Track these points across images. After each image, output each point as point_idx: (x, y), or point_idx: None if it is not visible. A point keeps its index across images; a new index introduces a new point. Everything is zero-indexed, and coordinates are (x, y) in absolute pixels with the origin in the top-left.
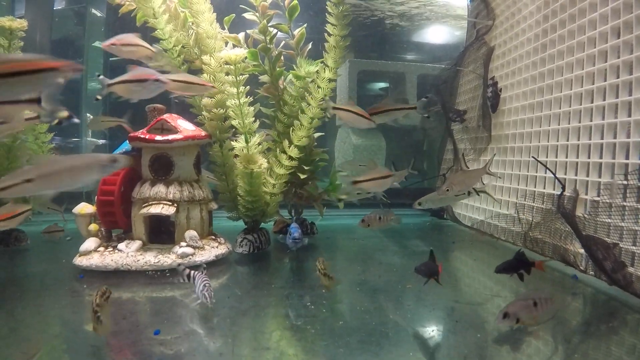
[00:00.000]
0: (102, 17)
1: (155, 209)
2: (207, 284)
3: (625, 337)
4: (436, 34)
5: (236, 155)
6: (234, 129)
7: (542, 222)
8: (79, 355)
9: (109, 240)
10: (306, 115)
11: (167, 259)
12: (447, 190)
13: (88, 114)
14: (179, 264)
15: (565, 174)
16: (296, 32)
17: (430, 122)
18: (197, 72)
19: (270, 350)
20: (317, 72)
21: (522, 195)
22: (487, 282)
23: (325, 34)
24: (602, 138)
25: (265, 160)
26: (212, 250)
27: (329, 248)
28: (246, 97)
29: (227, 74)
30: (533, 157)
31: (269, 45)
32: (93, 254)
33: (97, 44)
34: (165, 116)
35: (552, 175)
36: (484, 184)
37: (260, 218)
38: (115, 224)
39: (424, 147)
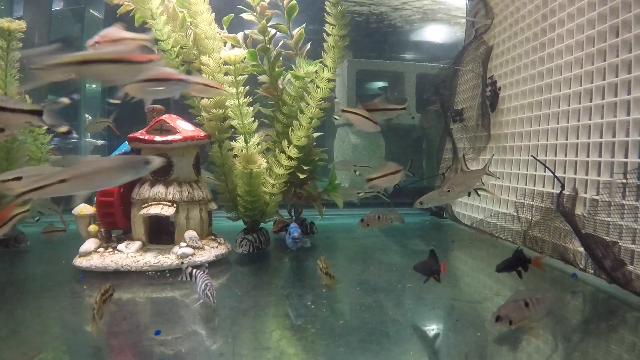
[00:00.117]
0: (101, 18)
1: (155, 210)
2: (208, 283)
3: (625, 335)
4: (435, 33)
5: (235, 156)
6: (233, 129)
7: (541, 221)
8: (80, 356)
9: (108, 241)
10: (305, 115)
11: (167, 260)
12: (448, 191)
13: (87, 115)
14: (182, 262)
15: (565, 172)
16: (295, 32)
17: (429, 122)
18: (195, 73)
19: (270, 350)
20: (316, 72)
21: (521, 194)
22: (487, 281)
23: (324, 34)
24: (601, 137)
25: (265, 160)
26: (212, 251)
27: (328, 248)
28: (245, 97)
29: (226, 74)
30: (532, 156)
31: (268, 46)
32: (93, 255)
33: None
34: (164, 117)
35: (552, 174)
36: (483, 184)
37: (259, 218)
38: (114, 224)
39: (422, 146)
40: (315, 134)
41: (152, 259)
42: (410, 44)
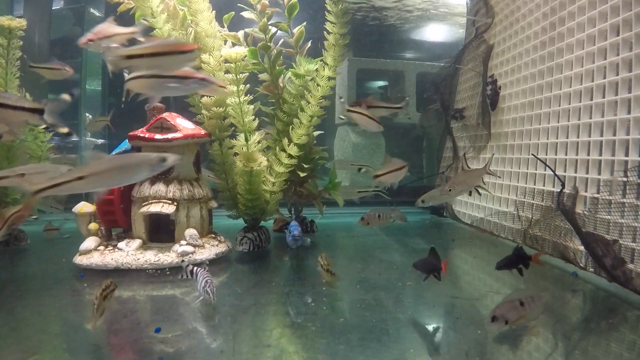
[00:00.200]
0: (101, 16)
1: (155, 208)
2: (208, 280)
3: (626, 334)
4: (435, 32)
5: (236, 154)
6: (233, 128)
7: (542, 220)
8: (80, 353)
9: (109, 239)
10: (305, 113)
11: (167, 258)
12: (450, 190)
13: (87, 114)
14: (183, 260)
15: (565, 171)
16: (295, 30)
17: (429, 120)
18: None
19: (270, 348)
20: (316, 70)
21: (522, 193)
22: (487, 279)
23: (325, 32)
24: (601, 135)
25: (265, 158)
26: (212, 249)
27: (329, 246)
28: (246, 95)
29: (227, 72)
30: (533, 154)
31: (268, 44)
32: (93, 253)
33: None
34: (165, 115)
35: (552, 173)
36: (483, 182)
37: (260, 216)
38: (115, 222)
39: (423, 145)
40: (316, 133)
41: (152, 257)
42: (411, 42)
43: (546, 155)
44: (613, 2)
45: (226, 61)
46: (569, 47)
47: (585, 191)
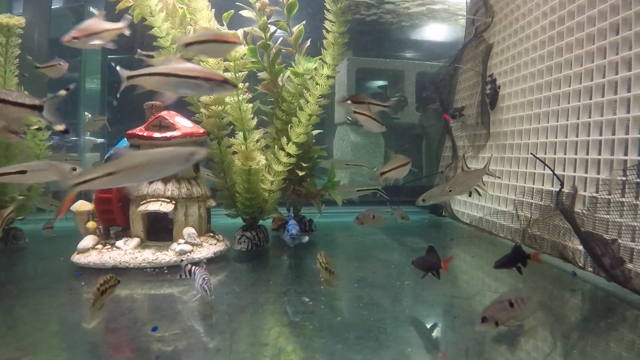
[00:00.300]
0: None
1: (153, 206)
2: (206, 278)
3: (624, 334)
4: (435, 32)
5: (234, 152)
6: (232, 126)
7: (540, 219)
8: (77, 352)
9: (107, 237)
10: (304, 112)
11: (165, 256)
12: (450, 190)
13: (86, 113)
14: (182, 260)
15: (564, 170)
16: (294, 29)
17: (429, 120)
18: None
19: (268, 347)
20: (315, 69)
21: (520, 192)
22: (485, 279)
23: (324, 31)
24: (600, 134)
25: (264, 157)
26: (211, 247)
27: (327, 245)
28: (245, 93)
29: (226, 70)
30: (532, 153)
31: (268, 42)
32: (91, 252)
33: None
34: (163, 113)
35: (551, 172)
36: (483, 183)
37: (258, 215)
38: (113, 221)
39: (422, 144)
40: (315, 132)
41: (150, 256)
42: (410, 42)
43: (545, 154)
44: (612, 1)
45: (225, 59)
46: (569, 46)
47: (584, 190)
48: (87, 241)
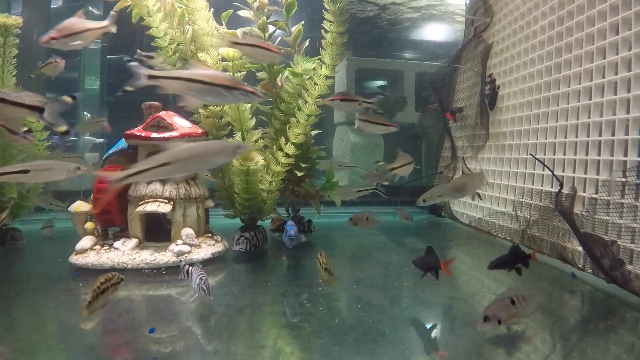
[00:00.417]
0: (100, 15)
1: (152, 207)
2: (203, 277)
3: (624, 335)
4: (434, 32)
5: None
6: (230, 127)
7: (540, 220)
8: (74, 353)
9: (105, 238)
10: (303, 112)
11: (164, 257)
12: (446, 194)
13: (85, 113)
14: (181, 261)
15: (563, 171)
16: (293, 29)
17: (428, 120)
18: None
19: (266, 348)
20: (314, 69)
21: (520, 193)
22: (484, 280)
23: (322, 31)
24: (600, 135)
25: (262, 157)
26: (209, 248)
27: (326, 246)
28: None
29: (225, 70)
30: (531, 154)
31: (267, 42)
32: (89, 253)
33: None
34: (162, 113)
35: (550, 173)
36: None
37: (257, 216)
38: (111, 222)
39: (421, 144)
40: (314, 132)
41: (148, 257)
42: (410, 42)
43: (544, 155)
44: (612, 1)
45: (223, 59)
46: (568, 46)
47: (584, 191)
48: (85, 242)
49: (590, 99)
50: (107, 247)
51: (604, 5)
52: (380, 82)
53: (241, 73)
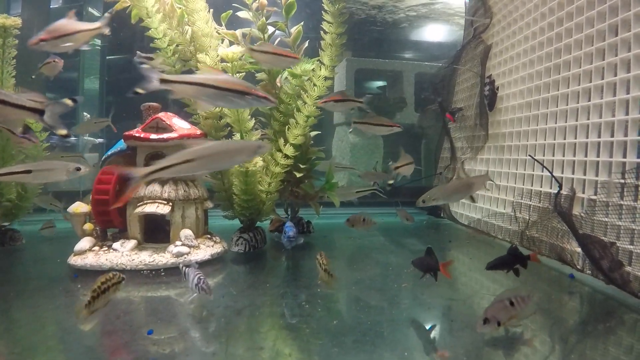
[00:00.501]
0: (99, 15)
1: (150, 208)
2: (201, 277)
3: (623, 337)
4: (434, 33)
5: None
6: (229, 128)
7: (539, 221)
8: (73, 355)
9: (104, 239)
10: (302, 113)
11: (162, 258)
12: (436, 199)
13: (85, 113)
14: (179, 263)
15: (562, 172)
16: (293, 30)
17: (428, 121)
18: (192, 71)
19: (264, 350)
20: (313, 70)
21: (519, 194)
22: (483, 281)
23: (322, 32)
24: (599, 136)
25: (261, 158)
26: (208, 249)
27: (325, 247)
28: None
29: (224, 71)
30: (530, 155)
31: (267, 43)
32: (88, 254)
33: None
34: (160, 115)
35: (549, 174)
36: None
37: (256, 217)
38: (110, 223)
39: (421, 145)
40: (313, 133)
41: (147, 258)
42: (410, 43)
43: (544, 156)
44: (612, 2)
45: (222, 60)
46: (567, 47)
47: (583, 193)
48: (84, 243)
49: (589, 100)
50: (106, 249)
51: (603, 6)
52: (380, 83)
53: (240, 74)
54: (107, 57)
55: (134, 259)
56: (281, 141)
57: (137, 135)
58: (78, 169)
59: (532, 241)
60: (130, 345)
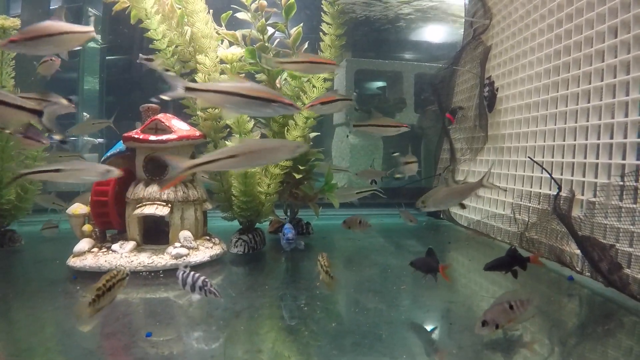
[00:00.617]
0: (99, 16)
1: (149, 210)
2: (206, 280)
3: (622, 340)
4: (433, 33)
5: None
6: (228, 129)
7: (538, 223)
8: (71, 356)
9: (103, 240)
10: (301, 114)
11: (161, 260)
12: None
13: (84, 113)
14: (185, 267)
15: (562, 174)
16: (292, 31)
17: (427, 122)
18: (191, 72)
19: (263, 352)
20: None
21: (518, 196)
22: (483, 283)
23: (321, 33)
24: (598, 138)
25: None
26: (207, 251)
27: (324, 248)
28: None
29: (223, 72)
30: (529, 157)
31: (266, 44)
32: (87, 255)
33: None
34: (160, 116)
35: (549, 176)
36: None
37: (255, 218)
38: (109, 224)
39: (420, 146)
40: (312, 134)
41: (146, 259)
42: (409, 43)
43: (543, 157)
44: (611, 4)
45: (222, 62)
46: (567, 48)
47: (582, 195)
48: (83, 244)
49: (588, 102)
50: (105, 250)
51: (602, 8)
52: (380, 83)
53: (240, 75)
54: (107, 57)
55: (133, 261)
56: None
57: (136, 136)
58: (108, 171)
59: (531, 243)
60: (128, 347)
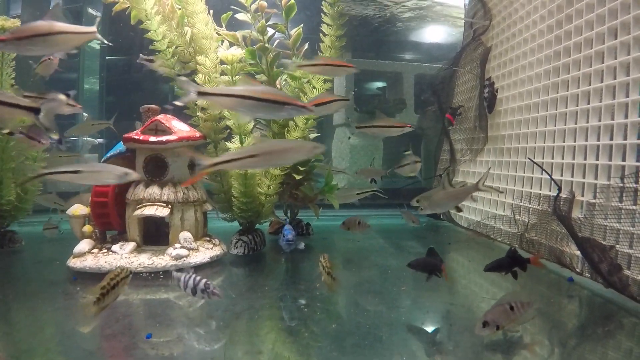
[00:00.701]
0: (99, 16)
1: (149, 211)
2: (208, 282)
3: (622, 341)
4: (433, 34)
5: None
6: (228, 130)
7: (538, 224)
8: (71, 357)
9: (103, 241)
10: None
11: (161, 261)
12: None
13: (84, 114)
14: (190, 268)
15: (562, 175)
16: (293, 32)
17: (427, 122)
18: (191, 73)
19: (263, 354)
20: None
21: (518, 197)
22: (483, 284)
23: (321, 34)
24: (598, 139)
25: None
26: (207, 252)
27: (324, 249)
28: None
29: (223, 73)
30: (529, 158)
31: (266, 45)
32: (87, 256)
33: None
34: (160, 117)
35: (549, 177)
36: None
37: (255, 219)
38: (109, 225)
39: (420, 146)
40: (312, 135)
41: (146, 260)
42: (409, 44)
43: (543, 158)
44: (611, 5)
45: (222, 62)
46: (567, 50)
47: (582, 196)
48: (83, 245)
49: (588, 103)
50: (105, 251)
51: (602, 9)
52: (380, 84)
53: (239, 76)
54: (107, 58)
55: (133, 262)
56: None
57: (136, 137)
58: (126, 174)
59: (531, 244)
60: (128, 349)
